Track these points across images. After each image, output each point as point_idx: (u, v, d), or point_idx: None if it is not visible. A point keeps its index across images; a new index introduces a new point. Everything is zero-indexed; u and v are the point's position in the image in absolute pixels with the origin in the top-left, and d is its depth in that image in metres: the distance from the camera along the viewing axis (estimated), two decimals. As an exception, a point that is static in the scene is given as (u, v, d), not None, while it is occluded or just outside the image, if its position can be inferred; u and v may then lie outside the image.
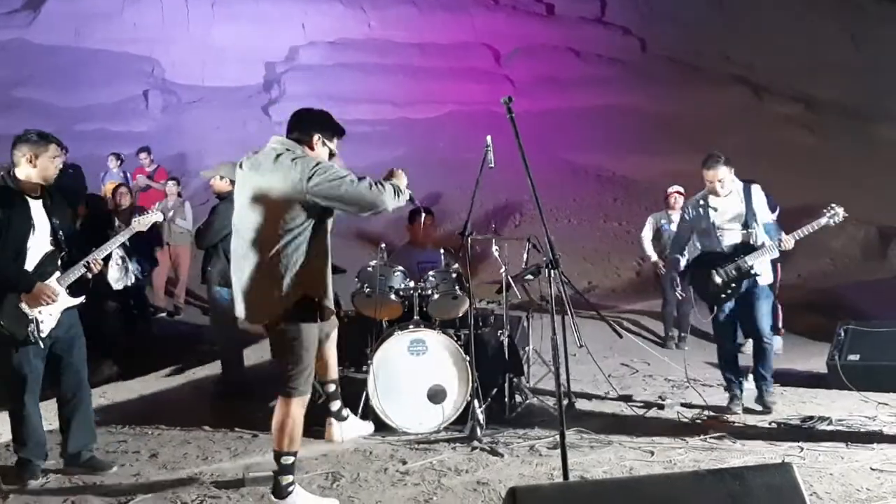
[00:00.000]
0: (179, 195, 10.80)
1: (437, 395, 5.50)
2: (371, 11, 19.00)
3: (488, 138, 5.20)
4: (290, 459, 4.00)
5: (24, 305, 4.39)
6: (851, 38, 18.51)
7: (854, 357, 6.87)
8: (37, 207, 4.49)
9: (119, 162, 11.93)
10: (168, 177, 11.51)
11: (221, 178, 6.89)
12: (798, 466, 2.84)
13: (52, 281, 4.50)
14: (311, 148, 4.03)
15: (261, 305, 3.97)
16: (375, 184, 3.96)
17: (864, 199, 13.39)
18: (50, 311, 4.49)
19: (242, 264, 3.98)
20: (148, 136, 14.89)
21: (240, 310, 4.04)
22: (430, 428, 5.47)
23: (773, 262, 8.39)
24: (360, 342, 6.05)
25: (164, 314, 10.11)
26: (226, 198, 6.88)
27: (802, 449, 4.93)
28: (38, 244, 4.48)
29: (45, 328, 4.48)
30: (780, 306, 8.61)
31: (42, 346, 4.49)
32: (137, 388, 7.22)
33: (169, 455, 5.14)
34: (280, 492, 3.97)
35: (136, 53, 17.71)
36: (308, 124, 4.08)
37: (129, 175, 11.87)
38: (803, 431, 5.38)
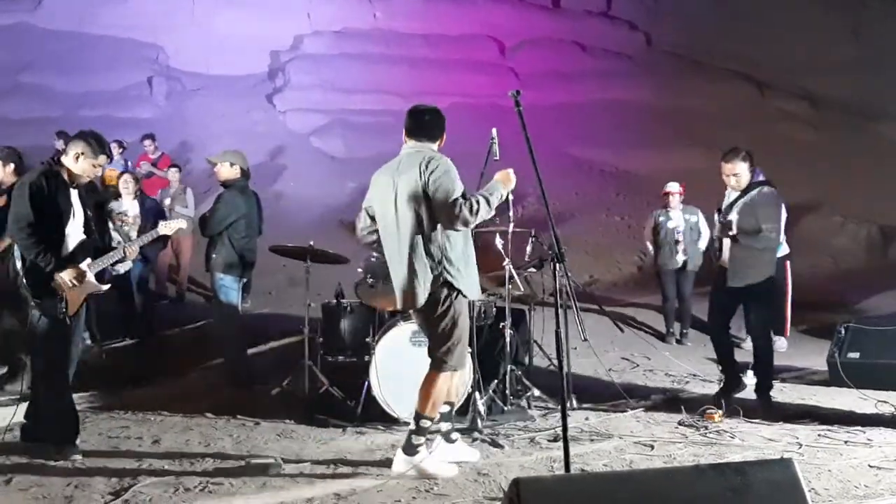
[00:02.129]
0: (181, 182, 10.77)
1: (438, 386, 5.51)
2: (377, 2, 18.95)
3: (494, 131, 5.20)
4: (427, 423, 4.39)
5: (56, 285, 4.59)
6: (855, 36, 18.46)
7: (854, 355, 6.89)
8: (74, 196, 4.76)
9: (121, 150, 11.88)
10: (171, 164, 11.46)
11: (232, 164, 6.91)
12: (797, 463, 2.85)
13: (83, 266, 4.72)
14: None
15: (413, 293, 4.33)
16: (466, 201, 4.22)
17: (866, 197, 13.43)
18: (78, 295, 4.70)
19: (398, 259, 4.38)
20: (152, 122, 14.85)
21: (398, 301, 4.46)
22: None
23: (781, 261, 8.39)
24: (362, 332, 6.08)
25: (166, 301, 10.12)
26: (231, 185, 6.90)
27: (801, 445, 4.96)
28: (74, 231, 4.73)
29: (72, 309, 4.68)
30: (788, 308, 8.56)
31: (69, 324, 4.68)
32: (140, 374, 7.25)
33: (171, 441, 5.17)
34: (410, 449, 4.36)
35: (141, 40, 17.64)
36: (437, 128, 4.52)
37: (130, 163, 11.81)
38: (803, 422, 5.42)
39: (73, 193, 4.75)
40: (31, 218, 4.56)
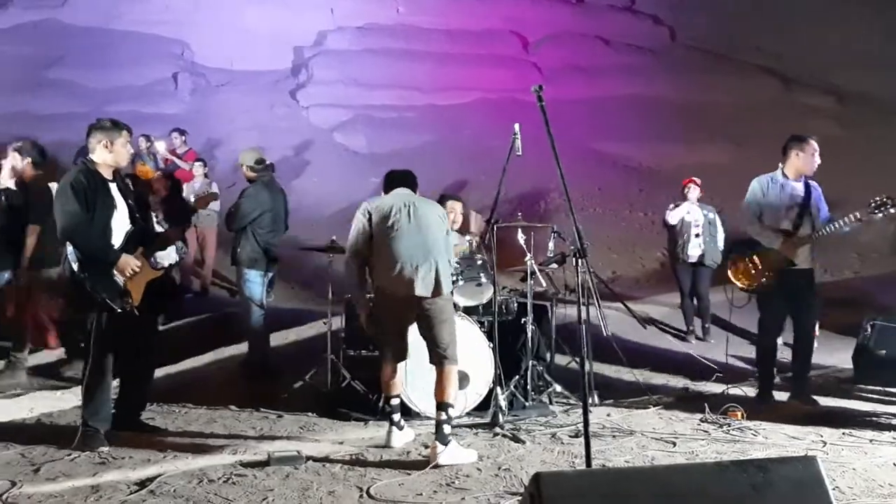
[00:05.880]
0: (206, 176, 10.84)
1: (460, 381, 5.51)
2: (399, -3, 18.98)
3: (516, 126, 5.21)
4: (453, 411, 4.77)
5: (117, 278, 4.71)
6: (883, 31, 18.19)
7: (881, 352, 6.83)
8: (114, 189, 4.86)
9: (149, 144, 11.94)
10: (196, 158, 11.51)
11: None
12: (821, 460, 2.83)
13: (137, 255, 4.85)
14: None
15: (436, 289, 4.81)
16: None
17: (893, 193, 13.22)
18: (138, 284, 4.82)
19: (424, 262, 4.80)
20: (177, 118, 14.94)
21: (419, 289, 4.77)
22: (453, 414, 5.50)
23: None
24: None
25: (190, 295, 10.20)
26: (255, 181, 6.96)
27: (826, 443, 4.93)
28: (120, 223, 4.83)
29: (136, 299, 4.80)
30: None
31: (137, 315, 4.79)
32: (165, 366, 7.31)
33: (196, 433, 5.22)
34: (443, 438, 4.57)
35: (166, 36, 17.77)
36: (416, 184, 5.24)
37: (158, 157, 11.89)
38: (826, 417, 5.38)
39: (112, 186, 4.85)
40: (82, 215, 4.64)
